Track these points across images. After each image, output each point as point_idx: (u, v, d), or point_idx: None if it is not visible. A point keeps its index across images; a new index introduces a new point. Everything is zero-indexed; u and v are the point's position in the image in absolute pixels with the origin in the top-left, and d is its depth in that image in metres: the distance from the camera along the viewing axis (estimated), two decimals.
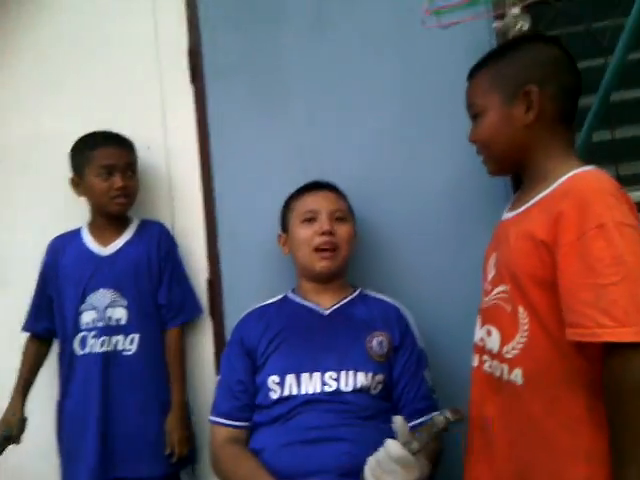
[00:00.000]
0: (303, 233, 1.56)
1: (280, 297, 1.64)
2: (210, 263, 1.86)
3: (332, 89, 1.79)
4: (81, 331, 1.72)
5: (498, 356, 1.13)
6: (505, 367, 1.11)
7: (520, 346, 1.07)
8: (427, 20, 1.44)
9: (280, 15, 1.83)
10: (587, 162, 1.12)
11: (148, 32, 1.95)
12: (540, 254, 1.04)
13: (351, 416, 1.38)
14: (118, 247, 1.78)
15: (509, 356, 1.09)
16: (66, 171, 1.81)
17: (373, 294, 1.62)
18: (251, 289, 1.79)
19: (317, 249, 1.53)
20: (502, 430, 1.12)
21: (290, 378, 1.44)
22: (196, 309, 1.83)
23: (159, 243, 1.80)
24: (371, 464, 1.19)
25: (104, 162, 1.74)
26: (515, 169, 1.22)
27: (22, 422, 1.74)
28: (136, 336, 1.71)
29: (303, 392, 1.42)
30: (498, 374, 1.13)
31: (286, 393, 1.43)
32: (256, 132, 1.83)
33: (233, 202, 1.83)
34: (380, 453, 1.18)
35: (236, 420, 1.48)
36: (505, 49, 1.21)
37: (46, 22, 2.06)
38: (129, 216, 1.85)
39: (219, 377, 1.56)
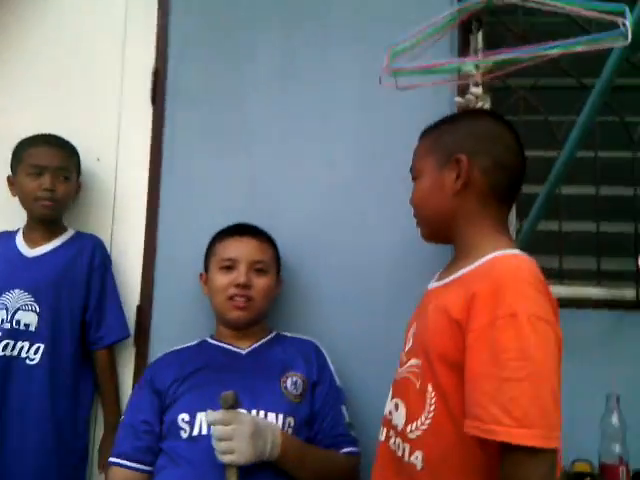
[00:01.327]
0: (220, 280, 1.54)
1: (197, 341, 1.61)
2: (144, 288, 1.80)
3: (290, 137, 1.79)
4: None
5: (402, 434, 1.07)
6: (407, 447, 1.04)
7: (424, 427, 1.01)
8: (385, 79, 1.43)
9: (249, 55, 1.83)
10: (529, 250, 1.08)
11: (116, 47, 1.91)
12: (453, 333, 0.99)
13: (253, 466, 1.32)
14: (44, 251, 1.71)
15: (412, 436, 1.03)
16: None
17: (290, 334, 1.62)
18: (181, 320, 1.75)
19: (231, 298, 1.52)
20: None
21: (200, 415, 1.38)
22: (125, 331, 1.75)
23: (91, 256, 1.72)
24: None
25: (35, 161, 1.69)
26: (444, 237, 1.18)
27: None
28: (42, 346, 1.61)
29: (204, 433, 1.37)
30: (400, 453, 1.07)
31: (196, 432, 1.37)
32: (209, 163, 1.81)
33: (176, 228, 1.79)
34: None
35: (136, 462, 1.41)
36: (449, 118, 1.21)
37: (14, 27, 1.98)
38: (64, 225, 1.79)
39: (123, 417, 1.50)
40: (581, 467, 1.39)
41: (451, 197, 1.12)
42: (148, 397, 1.47)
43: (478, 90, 1.53)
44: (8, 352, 1.60)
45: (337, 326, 1.69)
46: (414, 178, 1.21)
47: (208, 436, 1.33)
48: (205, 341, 1.60)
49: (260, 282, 1.54)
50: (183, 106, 1.84)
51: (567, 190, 1.68)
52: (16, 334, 1.61)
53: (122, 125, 1.89)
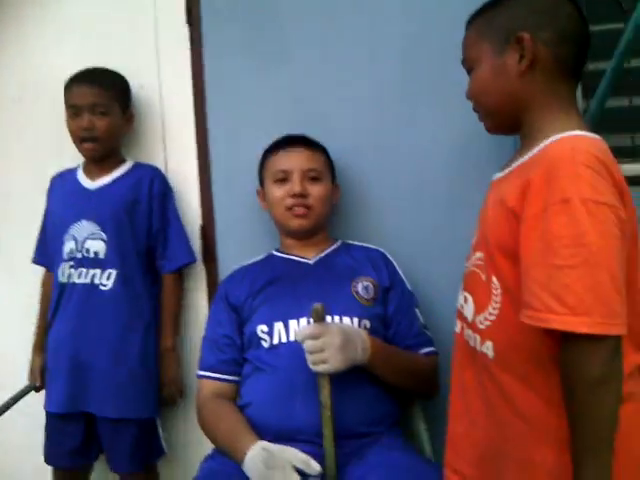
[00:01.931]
0: (276, 192, 1.55)
1: (264, 255, 1.63)
2: (203, 209, 1.82)
3: (332, 40, 1.71)
4: (64, 261, 1.71)
5: (472, 325, 1.07)
6: (477, 337, 1.05)
7: (492, 318, 1.01)
8: None
9: None
10: (597, 130, 1.02)
11: None
12: (510, 223, 0.96)
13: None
14: (105, 182, 1.75)
15: (481, 327, 1.03)
16: (60, 108, 1.75)
17: (356, 243, 1.62)
18: (245, 236, 1.78)
19: (289, 208, 1.53)
20: (478, 400, 1.07)
21: (278, 326, 1.43)
22: (188, 256, 1.78)
23: (150, 185, 1.74)
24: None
25: (71, 102, 1.71)
26: (511, 125, 1.10)
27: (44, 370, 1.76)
28: (113, 272, 1.67)
29: (292, 339, 1.41)
30: (472, 344, 1.08)
31: (276, 341, 1.42)
32: (253, 79, 1.76)
33: (228, 148, 1.78)
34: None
35: (222, 373, 1.48)
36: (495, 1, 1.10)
37: None
38: (122, 156, 1.80)
39: (204, 333, 1.55)
40: None
41: (516, 80, 1.04)
42: (225, 312, 1.52)
43: None
44: (82, 279, 1.67)
45: (400, 231, 1.67)
46: (469, 70, 1.12)
47: (288, 343, 1.40)
48: (272, 254, 1.63)
49: (315, 189, 1.54)
50: (219, 23, 1.78)
51: (637, 63, 1.55)
52: (88, 262, 1.68)
53: (160, 50, 1.85)
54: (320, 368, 1.27)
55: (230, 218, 1.80)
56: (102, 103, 1.70)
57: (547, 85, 1.04)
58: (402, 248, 1.62)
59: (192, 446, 1.81)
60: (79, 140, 1.72)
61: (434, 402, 1.52)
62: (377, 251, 1.59)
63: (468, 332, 1.08)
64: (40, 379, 1.77)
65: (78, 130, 1.70)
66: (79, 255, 1.69)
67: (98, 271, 1.67)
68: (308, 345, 1.28)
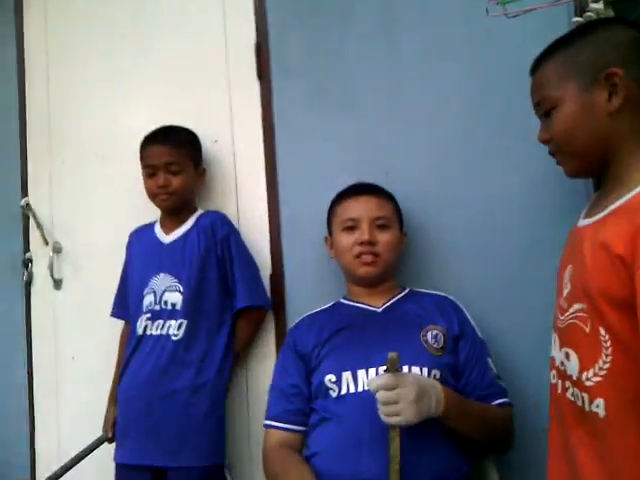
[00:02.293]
0: (344, 241, 1.55)
1: (332, 304, 1.62)
2: (273, 258, 1.85)
3: (396, 91, 1.73)
4: (143, 313, 1.75)
5: (578, 383, 1.00)
6: (585, 396, 0.98)
7: (603, 373, 0.94)
8: (492, 9, 1.33)
9: (347, 15, 1.78)
10: None
11: (217, 26, 1.94)
12: (616, 270, 0.91)
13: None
14: (178, 235, 1.80)
15: (589, 384, 0.96)
16: (138, 166, 1.84)
17: (423, 290, 1.59)
18: (313, 285, 1.78)
19: (358, 256, 1.52)
20: (590, 465, 0.98)
21: (346, 375, 1.41)
22: (253, 299, 1.77)
23: (213, 231, 1.77)
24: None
25: (146, 162, 1.80)
26: (597, 167, 1.06)
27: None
28: (184, 322, 1.70)
29: (360, 389, 1.38)
30: (580, 403, 0.99)
31: (344, 391, 1.40)
32: (321, 131, 1.80)
33: (297, 198, 1.82)
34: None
35: (288, 423, 1.46)
36: (574, 35, 1.07)
37: (118, 17, 2.10)
38: (195, 207, 1.86)
39: (272, 383, 1.55)
40: None
41: (606, 119, 1.00)
42: (293, 361, 1.52)
43: (599, 5, 1.41)
44: (158, 331, 1.71)
45: (470, 280, 1.63)
46: (549, 110, 1.07)
47: (356, 393, 1.37)
48: (339, 302, 1.62)
49: (384, 237, 1.53)
50: (289, 77, 1.84)
51: None
52: (165, 314, 1.72)
53: (233, 104, 1.92)
54: (393, 420, 1.23)
55: (299, 267, 1.82)
56: (176, 161, 1.77)
57: (637, 124, 1.01)
58: (472, 297, 1.58)
59: None
60: (153, 196, 1.81)
61: (508, 457, 1.47)
62: (446, 298, 1.55)
63: (575, 391, 1.01)
64: (112, 430, 1.78)
65: (154, 188, 1.78)
66: (157, 307, 1.74)
67: (173, 322, 1.71)
68: (381, 396, 1.24)
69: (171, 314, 1.72)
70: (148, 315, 1.74)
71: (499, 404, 1.43)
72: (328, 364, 1.45)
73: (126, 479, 1.70)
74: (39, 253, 2.19)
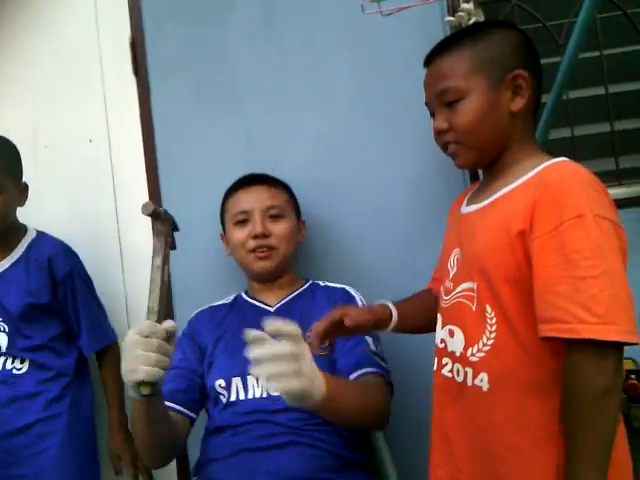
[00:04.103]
0: (237, 235, 1.48)
1: (232, 297, 1.55)
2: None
3: (280, 85, 1.71)
4: None
5: (462, 359, 1.03)
6: (469, 371, 1.01)
7: (486, 348, 0.98)
8: (368, 7, 1.35)
9: (227, 10, 1.73)
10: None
11: (89, 21, 1.83)
12: (514, 249, 0.95)
13: (300, 424, 1.28)
14: (4, 268, 1.56)
15: (474, 359, 1.00)
16: None
17: (324, 283, 1.53)
18: (205, 290, 1.70)
19: (252, 250, 1.46)
20: (464, 441, 1.03)
21: (236, 381, 1.35)
22: (112, 335, 1.66)
23: (50, 269, 1.55)
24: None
25: None
26: (487, 160, 1.10)
27: None
28: (21, 358, 1.53)
29: (250, 396, 1.33)
30: (461, 379, 1.03)
31: (233, 398, 1.34)
32: (204, 128, 1.73)
33: (182, 200, 1.73)
34: None
35: (176, 403, 1.34)
36: (475, 33, 1.08)
37: None
38: (23, 227, 1.61)
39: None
40: (626, 365, 1.36)
41: (507, 117, 1.05)
42: (190, 347, 1.44)
43: (469, 5, 1.47)
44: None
45: (360, 269, 1.64)
46: (452, 101, 1.07)
47: (246, 400, 1.32)
48: (240, 297, 1.55)
49: (278, 228, 1.47)
50: (167, 73, 1.76)
51: (575, 94, 1.62)
52: None
53: (108, 102, 1.82)
54: (288, 384, 1.01)
55: (188, 273, 1.72)
56: None
57: (527, 122, 1.08)
58: (366, 285, 1.57)
59: None
60: None
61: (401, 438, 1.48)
62: (339, 290, 1.49)
63: (455, 367, 1.05)
64: None
65: None
66: None
67: (3, 359, 1.53)
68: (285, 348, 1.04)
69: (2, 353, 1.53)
70: None
71: (366, 372, 1.33)
72: (218, 368, 1.39)
73: None
74: None
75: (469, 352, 1.02)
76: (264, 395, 1.32)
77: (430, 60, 1.12)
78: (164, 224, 1.17)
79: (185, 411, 1.36)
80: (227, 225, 1.53)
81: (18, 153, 1.58)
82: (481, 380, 1.00)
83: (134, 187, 1.79)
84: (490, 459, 0.99)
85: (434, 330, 1.18)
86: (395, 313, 1.27)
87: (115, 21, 1.82)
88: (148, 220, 1.73)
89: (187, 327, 1.51)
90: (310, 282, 1.54)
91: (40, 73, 1.87)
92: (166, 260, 1.14)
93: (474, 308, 1.03)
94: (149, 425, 1.17)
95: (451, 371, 1.07)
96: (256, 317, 1.36)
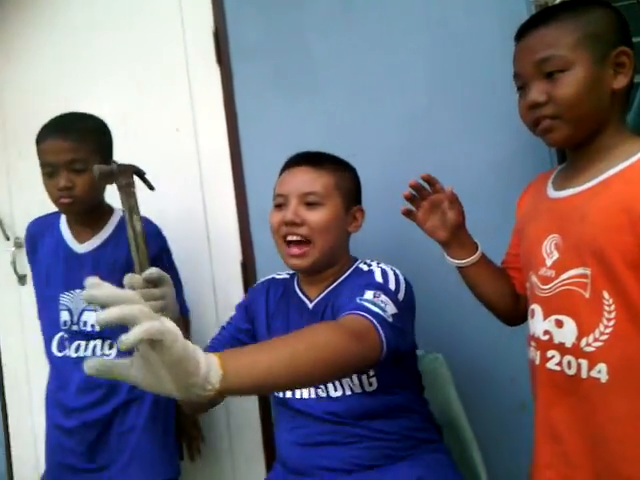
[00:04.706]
0: (272, 219, 1.34)
1: (291, 274, 1.44)
2: (243, 246, 1.81)
3: (359, 70, 1.70)
4: (59, 331, 1.55)
5: (574, 350, 0.99)
6: (584, 362, 0.96)
7: (604, 337, 0.94)
8: None
9: None
10: None
11: (174, 13, 1.88)
12: (636, 231, 0.91)
13: (345, 427, 1.24)
14: (95, 245, 1.55)
15: (590, 349, 0.95)
16: None
17: (367, 267, 1.32)
18: (285, 271, 1.78)
19: (284, 239, 1.31)
20: (579, 438, 0.97)
21: None
22: (186, 308, 1.67)
23: None
24: None
25: (44, 159, 1.48)
26: (586, 138, 1.05)
27: None
28: (112, 342, 1.51)
29: (297, 396, 1.29)
30: (573, 371, 0.98)
31: (281, 395, 1.31)
32: (284, 113, 1.75)
33: (264, 184, 1.66)
34: None
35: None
36: (575, 7, 1.04)
37: (69, 6, 2.02)
38: (109, 207, 1.59)
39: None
40: None
41: (608, 94, 1.01)
42: (243, 316, 1.39)
43: None
44: (82, 352, 1.52)
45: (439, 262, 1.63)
46: (554, 71, 1.02)
47: (292, 399, 1.28)
48: (293, 278, 1.42)
49: (313, 216, 1.28)
50: (249, 60, 1.79)
51: None
52: (86, 335, 1.53)
53: (193, 91, 1.87)
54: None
55: (270, 254, 1.78)
56: (80, 158, 1.46)
57: (623, 103, 1.05)
58: (441, 276, 1.52)
59: None
60: (54, 198, 1.50)
61: (487, 429, 1.46)
62: (366, 273, 1.30)
63: (565, 359, 1.00)
64: None
65: (54, 191, 1.48)
66: (75, 327, 1.53)
67: (99, 342, 1.53)
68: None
69: (93, 335, 1.52)
70: (64, 334, 1.54)
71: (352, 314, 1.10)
72: None
73: None
74: (0, 249, 2.12)
75: (583, 342, 0.97)
76: (312, 396, 1.28)
77: (526, 31, 1.08)
78: (122, 177, 1.13)
79: None
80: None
81: (108, 134, 1.56)
82: (599, 371, 0.95)
83: (219, 173, 1.85)
84: (610, 456, 0.95)
85: (492, 301, 1.23)
86: (479, 253, 1.26)
87: (198, 12, 1.86)
88: (233, 203, 1.81)
89: (246, 295, 1.46)
90: (355, 267, 1.35)
91: (129, 66, 1.95)
92: (133, 210, 1.11)
93: (587, 295, 0.98)
94: None
95: (559, 364, 1.01)
96: (299, 313, 1.35)
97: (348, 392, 1.25)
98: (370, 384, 1.25)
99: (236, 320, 1.38)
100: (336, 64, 1.74)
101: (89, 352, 1.52)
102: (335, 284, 1.33)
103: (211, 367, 0.76)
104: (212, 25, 1.84)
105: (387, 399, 1.26)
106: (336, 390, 1.25)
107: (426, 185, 1.25)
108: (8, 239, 2.09)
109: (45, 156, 1.47)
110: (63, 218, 1.59)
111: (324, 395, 1.26)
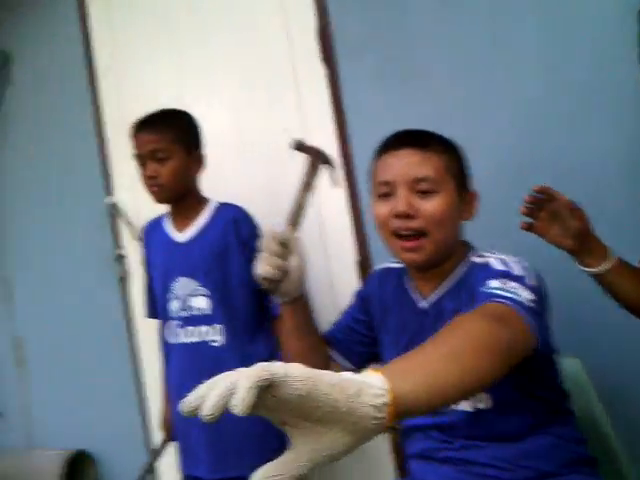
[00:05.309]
0: (378, 211, 1.17)
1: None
2: (358, 244, 1.82)
3: (467, 57, 1.63)
4: (171, 319, 1.64)
5: None
6: None
7: None
8: None
9: None
10: None
11: (277, 13, 1.89)
12: None
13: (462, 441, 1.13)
14: (193, 234, 1.64)
15: None
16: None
17: (482, 260, 1.16)
18: None
19: (395, 233, 1.15)
20: None
21: None
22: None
23: (236, 229, 1.61)
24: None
25: (135, 151, 1.62)
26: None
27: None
28: (221, 327, 1.59)
29: None
30: None
31: None
32: (392, 107, 1.72)
33: None
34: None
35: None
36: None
37: (182, 7, 2.08)
38: (203, 198, 1.69)
39: None
40: None
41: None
42: (360, 307, 1.34)
43: None
44: (193, 338, 1.61)
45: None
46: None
47: None
48: (406, 270, 1.28)
49: (428, 206, 1.12)
50: (354, 57, 1.77)
51: None
52: (194, 320, 1.61)
53: (300, 91, 1.87)
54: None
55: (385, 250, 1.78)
56: (161, 148, 1.58)
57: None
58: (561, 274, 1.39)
59: None
60: (147, 187, 1.63)
61: None
62: (490, 269, 1.12)
63: None
64: (167, 430, 1.76)
65: (145, 180, 1.62)
66: (185, 314, 1.61)
67: (206, 327, 1.60)
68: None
69: (201, 319, 1.60)
70: (177, 322, 1.63)
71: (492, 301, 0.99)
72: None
73: None
74: (130, 249, 2.24)
75: None
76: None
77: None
78: (313, 156, 1.29)
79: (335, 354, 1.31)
80: (372, 195, 1.21)
81: (191, 124, 1.67)
82: None
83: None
84: None
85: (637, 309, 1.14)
86: (613, 259, 1.17)
87: (301, 11, 1.85)
88: (346, 201, 1.79)
89: (363, 284, 1.41)
90: (470, 263, 1.18)
91: (238, 66, 1.99)
92: (307, 187, 1.26)
93: None
94: (292, 333, 1.26)
95: None
96: (413, 314, 1.23)
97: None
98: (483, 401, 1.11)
99: (353, 309, 1.35)
100: (443, 52, 1.68)
101: (198, 337, 1.61)
102: (451, 284, 1.18)
103: (370, 380, 0.63)
104: (315, 23, 1.83)
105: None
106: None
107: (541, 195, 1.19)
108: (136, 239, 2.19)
109: (134, 149, 1.63)
110: (168, 214, 1.71)
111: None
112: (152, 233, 1.74)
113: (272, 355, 1.62)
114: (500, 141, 1.61)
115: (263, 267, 1.18)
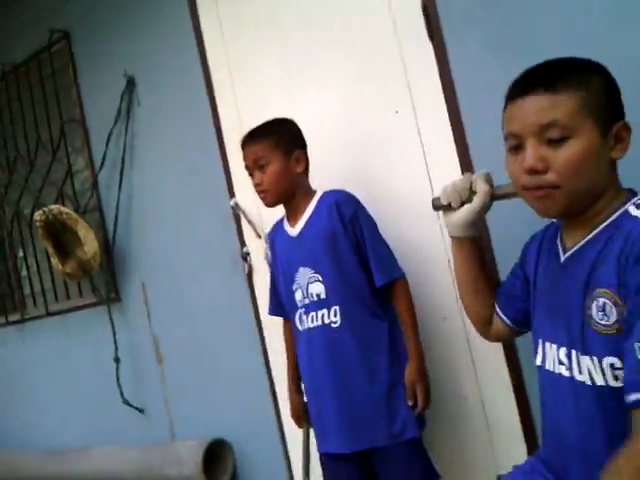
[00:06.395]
0: (509, 167, 1.11)
1: (552, 222, 1.28)
2: None
3: (580, 19, 1.53)
4: (297, 308, 1.76)
5: None
6: None
7: None
8: None
9: None
10: None
11: None
12: None
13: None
14: (302, 225, 1.76)
15: None
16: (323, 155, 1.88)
17: (638, 212, 1.01)
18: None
19: (527, 188, 1.08)
20: None
21: (541, 345, 1.18)
22: (398, 270, 1.71)
23: (339, 212, 1.69)
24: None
25: (244, 163, 1.78)
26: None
27: (305, 406, 1.85)
28: (337, 308, 1.67)
29: (548, 367, 1.14)
30: None
31: (538, 361, 1.18)
32: (504, 79, 1.58)
33: (492, 159, 1.59)
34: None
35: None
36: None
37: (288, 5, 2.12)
38: (313, 190, 1.80)
39: None
40: None
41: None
42: (520, 260, 1.35)
43: None
44: (317, 322, 1.71)
45: None
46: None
47: (542, 369, 1.18)
48: (555, 224, 1.22)
49: (560, 158, 1.01)
50: (460, 33, 1.71)
51: None
52: (315, 305, 1.72)
53: (408, 71, 1.84)
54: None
55: (503, 232, 1.71)
56: (260, 156, 1.73)
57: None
58: None
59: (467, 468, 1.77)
60: (257, 193, 1.79)
61: None
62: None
63: None
64: (298, 415, 1.89)
65: (254, 188, 1.78)
66: (307, 301, 1.73)
67: (325, 311, 1.70)
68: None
69: (320, 304, 1.70)
70: (302, 309, 1.75)
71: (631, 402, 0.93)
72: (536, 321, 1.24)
73: (334, 468, 1.74)
74: (254, 246, 2.33)
75: None
76: (556, 371, 1.12)
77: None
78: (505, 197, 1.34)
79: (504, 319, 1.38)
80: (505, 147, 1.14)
81: (289, 128, 1.79)
82: None
83: (443, 152, 1.81)
84: None
85: None
86: None
87: None
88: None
89: (531, 237, 1.34)
90: (624, 209, 1.05)
91: (346, 53, 1.98)
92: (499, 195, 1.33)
93: None
94: (462, 266, 1.39)
95: None
96: (555, 267, 1.16)
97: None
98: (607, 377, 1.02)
99: (515, 265, 1.37)
100: (553, 15, 1.58)
101: (319, 322, 1.71)
102: (596, 231, 1.05)
103: None
104: (420, 1, 1.78)
105: None
106: (580, 372, 1.06)
107: None
108: (260, 237, 2.28)
109: (243, 161, 1.78)
110: (285, 214, 1.84)
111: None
112: (275, 235, 1.87)
113: (392, 329, 1.70)
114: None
115: (444, 190, 1.32)
